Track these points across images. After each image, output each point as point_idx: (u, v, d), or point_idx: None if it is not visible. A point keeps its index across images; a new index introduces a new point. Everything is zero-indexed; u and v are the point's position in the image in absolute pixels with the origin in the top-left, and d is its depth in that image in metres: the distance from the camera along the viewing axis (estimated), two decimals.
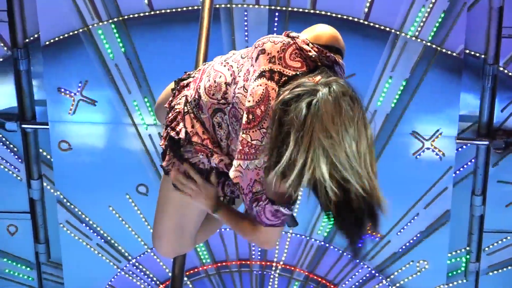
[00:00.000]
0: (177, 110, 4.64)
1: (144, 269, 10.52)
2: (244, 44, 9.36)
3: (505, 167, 9.96)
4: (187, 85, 4.71)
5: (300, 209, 9.90)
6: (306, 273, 10.41)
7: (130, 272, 10.44)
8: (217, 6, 9.29)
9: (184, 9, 9.44)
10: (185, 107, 4.59)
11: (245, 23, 9.47)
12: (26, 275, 10.67)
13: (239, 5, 9.43)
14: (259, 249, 10.39)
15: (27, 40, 9.74)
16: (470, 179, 10.05)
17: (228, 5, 9.35)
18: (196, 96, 4.50)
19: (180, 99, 4.69)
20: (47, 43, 9.49)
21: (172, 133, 4.58)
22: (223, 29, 9.50)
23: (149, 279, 10.57)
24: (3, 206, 10.39)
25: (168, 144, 4.64)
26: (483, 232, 10.16)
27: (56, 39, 9.49)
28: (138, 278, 10.52)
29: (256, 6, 9.40)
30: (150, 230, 9.71)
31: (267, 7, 9.40)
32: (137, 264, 10.45)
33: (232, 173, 4.20)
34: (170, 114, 4.68)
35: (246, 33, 9.47)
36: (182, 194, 4.62)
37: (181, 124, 4.56)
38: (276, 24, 9.44)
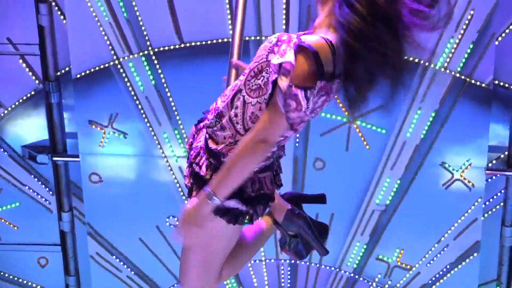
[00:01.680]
0: (199, 146, 4.69)
1: None
2: None
3: None
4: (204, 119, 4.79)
5: (330, 241, 9.82)
6: None
7: None
8: (247, 38, 9.24)
9: (214, 41, 9.43)
10: (206, 138, 4.63)
11: None
12: None
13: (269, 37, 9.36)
14: (288, 280, 10.37)
15: (58, 74, 9.75)
16: (500, 210, 9.97)
17: (258, 37, 9.34)
18: (215, 114, 4.57)
19: (200, 138, 4.75)
20: (78, 76, 9.48)
21: (197, 169, 4.63)
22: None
23: None
24: (34, 239, 10.37)
25: (193, 181, 4.68)
26: None
27: (87, 72, 9.48)
28: None
29: None
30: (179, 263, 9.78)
31: None
32: None
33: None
34: (192, 151, 4.74)
35: None
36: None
37: (204, 157, 4.63)
38: None
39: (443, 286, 10.07)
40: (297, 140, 9.65)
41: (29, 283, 10.60)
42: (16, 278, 10.59)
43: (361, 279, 10.13)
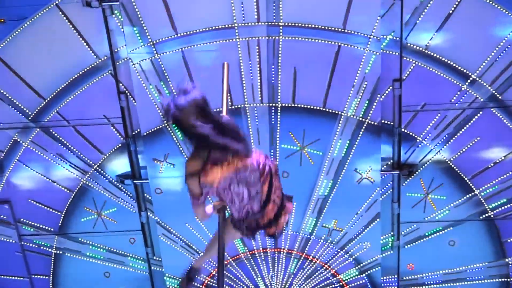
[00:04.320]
0: None
1: (209, 260, 10.22)
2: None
3: (410, 185, 9.90)
4: None
5: (295, 217, 10.07)
6: (300, 254, 10.37)
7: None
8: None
9: None
10: None
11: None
12: (141, 266, 10.66)
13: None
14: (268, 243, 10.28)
15: (133, 133, 9.78)
16: (390, 194, 10.03)
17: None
18: None
19: None
20: (145, 133, 9.55)
21: None
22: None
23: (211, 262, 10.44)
24: (127, 227, 10.35)
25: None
26: (400, 223, 10.12)
27: (150, 130, 9.52)
28: (207, 265, 10.22)
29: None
30: (210, 236, 9.87)
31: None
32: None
33: None
34: None
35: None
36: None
37: None
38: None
39: (362, 239, 10.06)
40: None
41: (126, 253, 10.55)
42: (119, 251, 10.55)
43: (313, 237, 10.16)
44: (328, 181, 9.79)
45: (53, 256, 10.52)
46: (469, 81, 9.24)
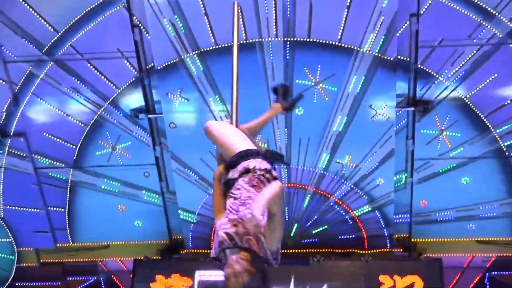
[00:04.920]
0: None
1: None
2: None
3: (424, 122, 9.92)
4: None
5: (311, 148, 10.21)
6: (314, 189, 10.51)
7: None
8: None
9: (240, 42, 9.43)
10: None
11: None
12: (156, 199, 10.81)
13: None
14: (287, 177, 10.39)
15: (147, 67, 9.86)
16: (404, 131, 10.09)
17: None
18: None
19: None
20: (159, 68, 9.61)
21: None
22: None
23: None
24: (141, 161, 10.48)
25: None
26: (413, 160, 10.21)
27: (164, 65, 9.58)
28: None
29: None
30: None
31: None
32: None
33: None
34: None
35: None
36: None
37: None
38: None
39: (375, 175, 10.18)
40: None
41: (140, 187, 10.67)
42: (134, 185, 10.67)
43: (327, 173, 10.30)
44: (342, 117, 9.85)
45: (68, 189, 10.75)
46: (488, 16, 9.16)
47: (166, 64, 9.62)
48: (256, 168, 4.68)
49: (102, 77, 9.93)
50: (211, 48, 9.56)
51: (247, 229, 4.29)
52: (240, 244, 4.24)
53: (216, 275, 10.19)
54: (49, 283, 11.54)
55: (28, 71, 9.91)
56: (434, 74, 9.63)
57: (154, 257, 10.99)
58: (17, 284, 11.49)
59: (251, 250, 4.24)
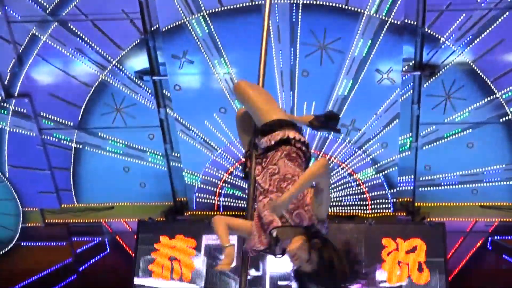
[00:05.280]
0: None
1: (227, 156, 10.54)
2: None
3: (430, 86, 9.91)
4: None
5: None
6: (318, 153, 10.48)
7: (219, 158, 10.54)
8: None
9: (246, 4, 9.44)
10: None
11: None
12: (160, 161, 10.87)
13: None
14: None
15: (152, 28, 9.87)
16: (410, 95, 10.12)
17: None
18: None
19: None
20: (164, 29, 9.62)
21: None
22: None
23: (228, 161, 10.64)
24: (145, 123, 10.54)
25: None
26: (419, 124, 10.24)
27: (169, 26, 9.60)
28: (225, 162, 10.57)
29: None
30: (229, 134, 10.09)
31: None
32: (223, 153, 10.50)
33: None
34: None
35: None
36: None
37: None
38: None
39: (380, 139, 10.21)
40: (291, 59, 9.71)
41: (145, 148, 10.73)
42: (138, 147, 10.73)
43: (331, 137, 10.21)
44: (348, 81, 9.86)
45: (73, 150, 10.83)
46: None
47: (171, 25, 9.63)
48: (296, 139, 4.59)
49: (107, 38, 9.94)
50: (216, 10, 9.57)
51: (294, 204, 4.31)
52: (291, 222, 4.28)
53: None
54: (54, 243, 11.70)
55: (32, 32, 9.94)
56: (441, 39, 9.62)
57: (158, 219, 11.11)
58: (22, 243, 11.65)
59: (302, 225, 4.28)
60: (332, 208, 10.78)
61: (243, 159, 4.85)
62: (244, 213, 4.76)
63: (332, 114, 5.10)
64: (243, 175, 4.74)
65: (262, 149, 4.62)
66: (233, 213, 10.26)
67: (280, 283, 10.40)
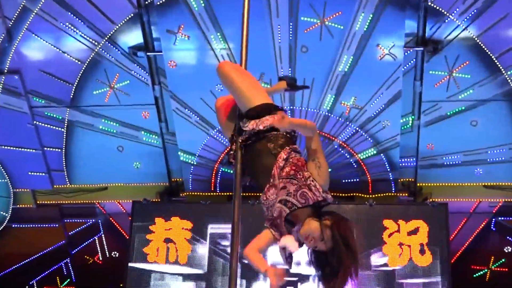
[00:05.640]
0: None
1: (217, 140, 10.40)
2: None
3: (433, 62, 9.78)
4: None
5: (314, 94, 10.12)
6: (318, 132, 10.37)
7: (216, 136, 10.39)
8: None
9: None
10: None
11: None
12: (155, 140, 10.74)
13: None
14: None
15: (146, 2, 9.67)
16: (412, 71, 9.97)
17: None
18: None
19: None
20: (159, 3, 9.42)
21: None
22: None
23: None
24: (140, 101, 10.37)
25: None
26: (421, 102, 10.09)
27: (163, 0, 9.36)
28: (222, 140, 10.41)
29: None
30: None
31: None
32: (220, 132, 10.22)
33: None
34: None
35: None
36: None
37: None
38: None
39: (381, 117, 10.04)
40: (290, 34, 9.54)
41: (139, 128, 10.58)
42: (132, 125, 10.57)
43: (332, 115, 10.17)
44: (348, 57, 9.68)
45: (65, 129, 10.66)
46: None
47: None
48: None
49: (99, 12, 9.75)
50: None
51: (296, 184, 4.28)
52: (298, 205, 4.26)
53: (226, 227, 10.32)
54: (46, 225, 11.58)
55: (22, 5, 9.73)
56: (445, 13, 9.43)
57: (154, 200, 10.97)
58: (13, 225, 11.52)
59: (309, 203, 4.27)
60: (332, 188, 10.51)
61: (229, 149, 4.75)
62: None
63: (290, 76, 5.25)
64: (227, 162, 4.66)
65: (248, 133, 4.54)
66: (230, 193, 10.13)
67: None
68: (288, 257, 4.38)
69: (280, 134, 4.46)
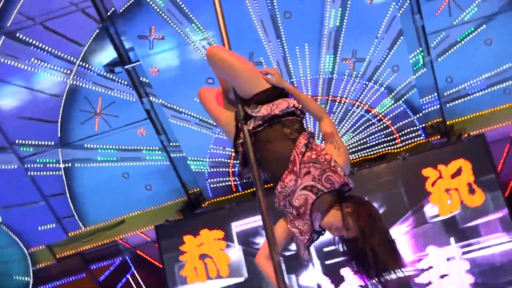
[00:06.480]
0: None
1: (225, 136, 9.96)
2: None
3: None
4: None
5: (311, 57, 9.65)
6: (326, 97, 9.92)
7: (221, 134, 9.86)
8: None
9: None
10: None
11: None
12: (159, 156, 10.35)
13: None
14: None
15: (108, 13, 9.34)
16: (408, 6, 9.47)
17: None
18: None
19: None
20: (121, 10, 9.13)
21: None
22: None
23: None
24: (131, 119, 10.04)
25: None
26: (426, 35, 9.63)
27: (126, 5, 9.10)
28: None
29: None
30: None
31: None
32: (221, 133, 9.82)
33: None
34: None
35: None
36: None
37: None
38: None
39: (389, 63, 9.56)
40: (268, 3, 9.16)
41: (139, 147, 10.25)
42: (131, 147, 10.23)
43: (336, 76, 9.68)
44: (336, 10, 9.21)
45: (63, 171, 10.26)
46: None
47: (128, 3, 9.11)
48: (299, 108, 4.46)
49: (63, 38, 9.40)
50: None
51: (320, 168, 4.18)
52: (324, 190, 4.17)
53: (251, 223, 10.01)
54: (73, 278, 11.17)
55: None
56: None
57: (176, 218, 10.56)
58: None
59: (335, 187, 4.19)
60: (358, 152, 10.15)
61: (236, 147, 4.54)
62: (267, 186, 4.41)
63: None
64: (237, 161, 4.67)
65: (260, 119, 4.35)
66: (253, 189, 9.69)
67: (326, 249, 9.80)
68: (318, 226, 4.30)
69: (295, 119, 4.36)
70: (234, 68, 4.32)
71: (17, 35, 9.26)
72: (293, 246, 8.86)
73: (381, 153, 10.16)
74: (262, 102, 4.36)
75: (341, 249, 4.26)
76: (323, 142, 4.40)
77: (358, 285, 9.54)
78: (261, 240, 9.84)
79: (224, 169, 10.30)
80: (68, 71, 9.59)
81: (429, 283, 9.53)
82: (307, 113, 4.50)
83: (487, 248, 9.55)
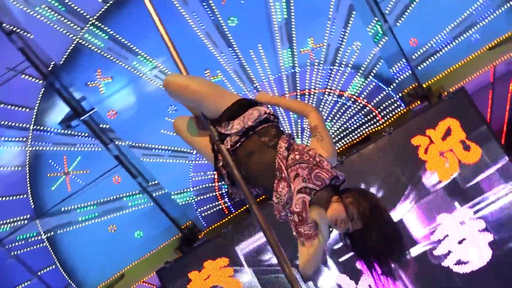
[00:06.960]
0: None
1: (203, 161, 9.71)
2: None
3: None
4: None
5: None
6: (293, 93, 9.77)
7: (197, 160, 9.77)
8: None
9: None
10: None
11: None
12: (141, 199, 10.15)
13: None
14: None
15: (49, 68, 9.18)
16: None
17: None
18: None
19: None
20: (62, 62, 8.96)
21: None
22: None
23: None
24: (102, 170, 9.86)
25: None
26: (378, 3, 9.34)
27: (65, 56, 8.92)
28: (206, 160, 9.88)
29: None
30: None
31: None
32: (198, 159, 9.83)
33: None
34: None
35: None
36: None
37: None
38: None
39: (348, 42, 9.32)
40: (209, 13, 8.96)
41: (119, 196, 10.07)
42: (110, 198, 10.07)
43: (297, 69, 9.44)
44: (280, 3, 9.04)
45: (46, 242, 10.02)
46: None
47: (67, 53, 8.94)
48: (271, 113, 4.42)
49: (9, 106, 9.26)
50: (102, 10, 8.87)
51: (307, 167, 4.14)
52: (316, 188, 4.13)
53: (255, 241, 9.68)
54: None
55: None
56: None
57: (176, 258, 10.19)
58: None
59: (326, 183, 4.16)
60: (342, 140, 9.90)
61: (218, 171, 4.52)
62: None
63: None
64: (223, 183, 4.63)
65: (234, 135, 4.32)
66: (246, 207, 9.48)
67: (336, 247, 9.51)
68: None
69: (270, 125, 4.33)
70: (194, 92, 4.28)
71: None
72: None
73: (365, 134, 9.90)
74: (232, 117, 4.31)
75: (348, 244, 4.22)
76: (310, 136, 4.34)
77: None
78: (269, 256, 9.55)
79: (211, 194, 10.08)
80: (24, 139, 9.46)
81: (449, 252, 9.22)
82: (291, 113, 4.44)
83: (496, 202, 9.29)
